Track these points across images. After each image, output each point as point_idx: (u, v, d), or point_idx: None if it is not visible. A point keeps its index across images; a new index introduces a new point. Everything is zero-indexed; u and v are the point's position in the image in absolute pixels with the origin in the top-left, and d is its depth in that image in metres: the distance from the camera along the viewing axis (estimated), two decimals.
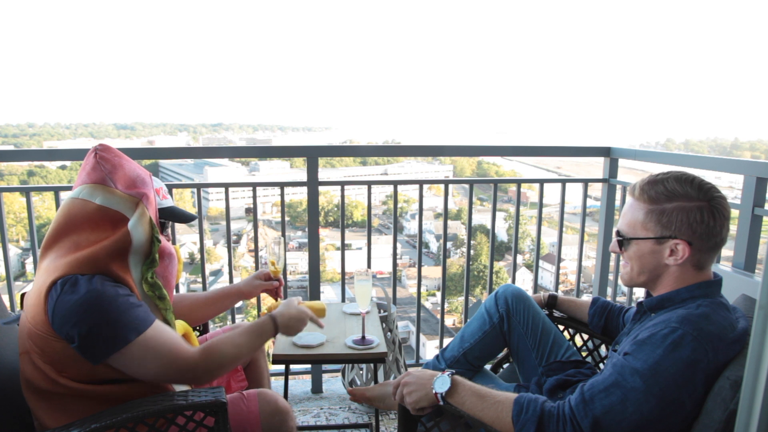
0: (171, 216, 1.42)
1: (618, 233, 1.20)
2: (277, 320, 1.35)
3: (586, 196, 2.63)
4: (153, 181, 1.30)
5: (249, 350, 1.29)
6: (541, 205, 2.62)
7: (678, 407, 0.99)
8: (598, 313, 1.60)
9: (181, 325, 1.33)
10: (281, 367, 1.79)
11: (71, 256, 1.11)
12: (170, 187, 2.27)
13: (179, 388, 1.26)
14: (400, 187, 2.50)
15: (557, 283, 2.71)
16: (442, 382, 1.15)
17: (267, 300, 1.82)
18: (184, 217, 1.47)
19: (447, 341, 1.85)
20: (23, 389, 1.17)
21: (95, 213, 1.16)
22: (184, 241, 24.12)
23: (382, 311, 2.19)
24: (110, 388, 1.15)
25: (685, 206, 1.09)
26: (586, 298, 1.75)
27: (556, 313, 1.74)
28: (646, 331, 1.05)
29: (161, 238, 1.25)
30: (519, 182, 2.66)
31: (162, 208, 1.38)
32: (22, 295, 1.25)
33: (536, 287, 2.60)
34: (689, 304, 1.09)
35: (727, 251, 2.01)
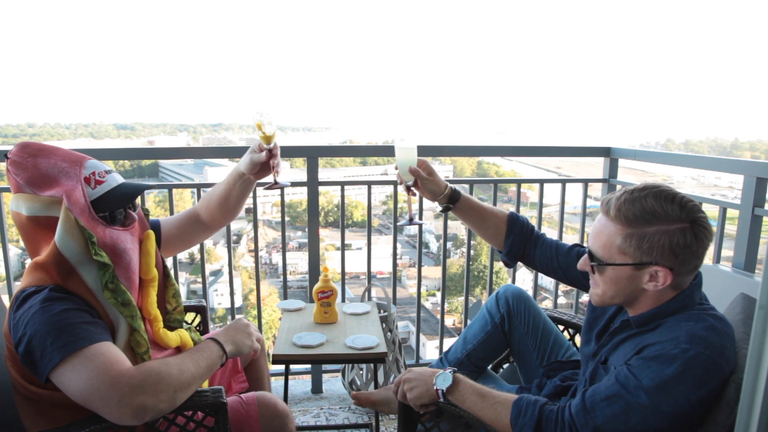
0: (110, 204, 1.15)
1: (591, 256, 1.09)
2: (217, 337, 1.26)
3: (586, 196, 2.63)
4: (83, 168, 1.13)
5: (195, 368, 1.13)
6: (541, 206, 2.62)
7: (687, 419, 0.97)
8: (517, 243, 1.46)
9: (177, 335, 1.27)
10: (281, 368, 1.79)
11: (31, 269, 1.10)
12: (170, 187, 2.27)
13: None
14: (400, 187, 2.49)
15: (557, 284, 2.70)
16: (443, 379, 1.15)
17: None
18: (126, 196, 1.17)
19: (447, 341, 1.85)
20: (13, 393, 1.16)
21: (29, 225, 1.11)
22: None
23: (382, 311, 2.19)
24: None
25: (667, 230, 1.00)
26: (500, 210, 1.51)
27: (555, 313, 1.74)
28: (652, 349, 1.00)
29: (107, 233, 1.13)
30: (519, 182, 2.67)
31: (95, 199, 1.13)
32: None
33: (536, 287, 2.60)
34: (681, 313, 1.04)
35: (727, 251, 2.01)
